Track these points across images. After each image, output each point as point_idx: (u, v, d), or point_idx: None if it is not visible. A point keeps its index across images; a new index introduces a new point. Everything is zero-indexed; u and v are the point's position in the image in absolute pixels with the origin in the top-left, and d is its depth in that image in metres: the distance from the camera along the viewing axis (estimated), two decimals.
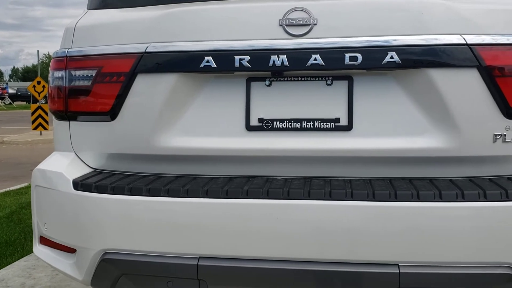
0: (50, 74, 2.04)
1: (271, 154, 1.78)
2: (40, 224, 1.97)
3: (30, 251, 4.02)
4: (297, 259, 1.61)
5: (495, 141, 1.66)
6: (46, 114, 13.57)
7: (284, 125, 1.77)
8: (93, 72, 1.86)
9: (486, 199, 1.54)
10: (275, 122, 1.77)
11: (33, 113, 13.69)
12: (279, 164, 1.80)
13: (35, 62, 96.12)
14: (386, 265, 1.57)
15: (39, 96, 13.91)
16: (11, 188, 6.86)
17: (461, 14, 1.65)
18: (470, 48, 1.62)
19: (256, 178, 1.78)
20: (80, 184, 1.78)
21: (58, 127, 2.04)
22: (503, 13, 1.68)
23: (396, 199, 1.56)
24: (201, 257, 1.65)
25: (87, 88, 1.88)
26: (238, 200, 1.63)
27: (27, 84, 32.70)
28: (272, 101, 1.78)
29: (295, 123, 1.76)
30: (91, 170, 1.94)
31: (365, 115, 1.74)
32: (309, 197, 1.60)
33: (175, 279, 1.69)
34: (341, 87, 1.75)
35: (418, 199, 1.55)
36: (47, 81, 2.15)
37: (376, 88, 1.73)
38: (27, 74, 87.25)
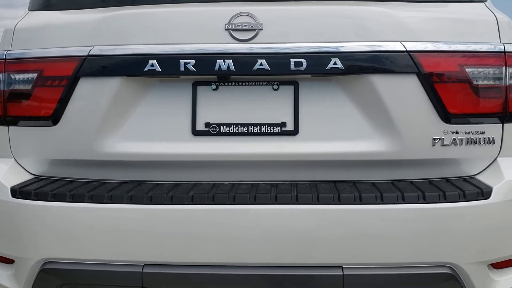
0: None
1: (217, 159, 1.77)
2: None
3: None
4: (243, 264, 1.61)
5: (434, 145, 1.72)
6: None
7: (231, 129, 1.76)
8: (33, 76, 1.80)
9: (425, 201, 1.59)
10: (221, 127, 1.77)
11: None
12: (226, 169, 1.79)
13: None
14: (330, 268, 1.60)
15: None
16: None
17: (402, 22, 1.71)
18: (410, 55, 1.68)
19: (203, 183, 1.77)
20: (19, 192, 1.71)
21: None
22: (442, 21, 1.75)
23: (339, 201, 1.59)
24: (146, 265, 1.62)
25: (28, 92, 1.81)
26: (184, 206, 1.61)
27: None
28: (219, 106, 1.78)
29: (242, 128, 1.76)
30: (31, 176, 1.87)
31: (310, 119, 1.76)
32: (255, 201, 1.60)
33: (119, 287, 1.65)
34: (287, 92, 1.76)
35: (361, 201, 1.59)
36: None
37: (321, 93, 1.76)
38: None
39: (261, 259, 1.60)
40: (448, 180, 1.76)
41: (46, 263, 1.67)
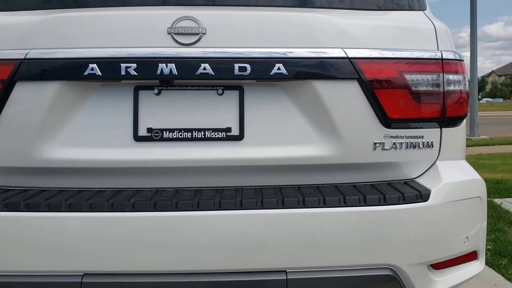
0: None
1: (161, 165, 1.74)
2: None
3: None
4: (187, 272, 1.59)
5: (375, 149, 1.76)
6: None
7: (174, 135, 1.74)
8: None
9: (366, 203, 1.62)
10: (164, 132, 1.74)
11: None
12: (169, 175, 1.77)
13: None
14: (274, 272, 1.60)
15: None
16: None
17: (344, 29, 1.74)
18: (351, 61, 1.71)
19: (145, 190, 1.74)
20: None
21: None
22: (382, 29, 1.80)
23: (283, 206, 1.60)
24: (86, 274, 1.58)
25: None
26: (124, 214, 1.57)
27: None
28: (162, 111, 1.75)
29: (186, 133, 1.74)
30: None
31: (256, 124, 1.76)
32: (198, 208, 1.59)
33: None
34: (232, 97, 1.76)
35: (304, 205, 1.60)
36: None
37: (266, 99, 1.76)
38: None
39: (205, 265, 1.59)
40: (389, 183, 1.80)
41: None
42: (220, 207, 1.59)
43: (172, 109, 1.75)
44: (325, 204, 1.60)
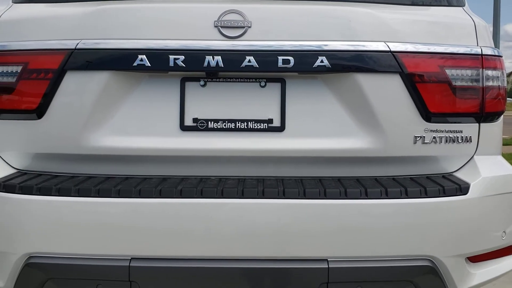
0: None
1: (205, 154, 1.79)
2: None
3: None
4: (231, 258, 1.63)
5: (416, 143, 1.78)
6: None
7: (218, 125, 1.79)
8: (18, 68, 1.78)
9: (407, 196, 1.65)
10: (209, 122, 1.79)
11: None
12: (213, 164, 1.81)
13: None
14: (316, 261, 1.63)
15: None
16: None
17: (386, 23, 1.77)
18: (393, 55, 1.74)
19: (190, 178, 1.78)
20: (3, 185, 1.69)
21: None
22: (423, 24, 1.82)
23: (325, 196, 1.63)
24: (133, 258, 1.62)
25: (11, 85, 1.78)
26: (172, 200, 1.62)
27: None
28: (207, 102, 1.80)
29: (229, 124, 1.79)
30: (15, 171, 1.85)
31: (297, 116, 1.80)
32: (242, 195, 1.62)
33: (105, 281, 1.65)
34: (274, 89, 1.80)
35: (346, 196, 1.63)
36: None
37: (308, 91, 1.80)
38: None
39: (248, 252, 1.63)
40: (428, 177, 1.82)
41: (30, 257, 1.65)
42: (263, 196, 1.63)
43: (217, 100, 1.80)
44: (367, 196, 1.64)
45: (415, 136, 1.78)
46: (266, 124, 1.79)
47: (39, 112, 1.77)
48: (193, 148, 1.78)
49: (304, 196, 1.63)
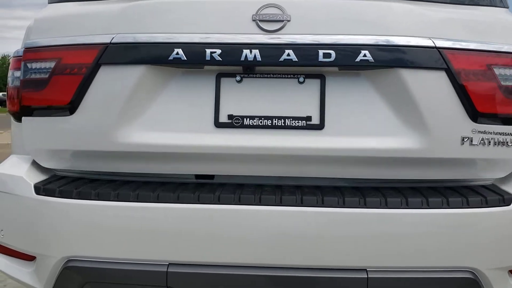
0: (9, 74, 1.93)
1: (240, 152, 1.71)
2: None
3: None
4: (269, 266, 1.59)
5: (463, 144, 1.68)
6: None
7: (255, 122, 1.71)
8: (51, 64, 1.75)
9: (448, 206, 1.59)
10: (245, 119, 1.72)
11: None
12: (248, 163, 1.74)
13: None
14: (355, 270, 1.57)
15: None
16: None
17: (431, 20, 1.69)
18: (439, 51, 1.66)
19: (227, 184, 1.75)
20: (43, 189, 1.68)
21: (15, 128, 1.91)
22: (469, 22, 1.74)
23: (365, 205, 1.58)
24: (171, 264, 1.59)
25: (45, 81, 1.75)
26: (210, 206, 1.59)
27: None
28: (243, 98, 1.73)
29: (266, 120, 1.71)
30: (51, 174, 1.83)
31: (337, 114, 1.72)
32: (281, 203, 1.58)
33: (142, 286, 1.62)
34: (313, 85, 1.73)
35: (386, 206, 1.58)
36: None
37: (349, 87, 1.72)
38: None
39: (286, 261, 1.58)
40: (468, 186, 1.75)
41: (69, 260, 1.64)
42: (302, 204, 1.58)
43: (253, 97, 1.73)
44: (407, 206, 1.58)
45: (463, 137, 1.68)
46: (304, 122, 1.71)
47: (72, 107, 1.73)
48: (228, 146, 1.70)
49: (344, 205, 1.58)
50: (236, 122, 1.72)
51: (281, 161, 1.72)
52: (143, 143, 1.71)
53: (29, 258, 1.75)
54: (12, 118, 1.93)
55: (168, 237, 1.59)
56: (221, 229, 1.58)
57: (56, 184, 1.71)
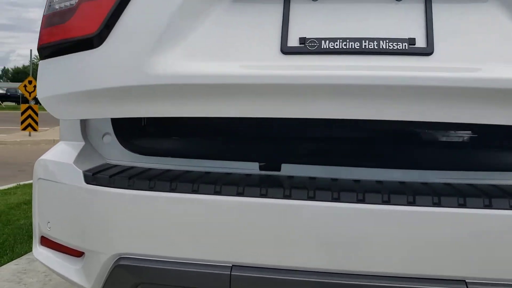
0: None
1: (315, 82, 1.27)
2: (41, 222, 1.66)
3: (20, 253, 3.59)
4: (351, 273, 1.31)
5: None
6: (36, 114, 13.04)
7: (337, 45, 1.29)
8: None
9: None
10: (323, 42, 1.30)
11: (22, 113, 13.12)
12: (324, 99, 1.30)
13: (26, 63, 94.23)
14: (452, 281, 1.29)
15: (29, 96, 13.24)
16: None
17: None
18: None
19: (299, 177, 1.48)
20: (93, 177, 1.48)
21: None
22: None
23: (465, 205, 1.28)
24: (235, 266, 1.36)
25: (72, 10, 1.43)
26: (279, 201, 1.33)
27: (16, 85, 31.71)
28: (320, 16, 1.32)
29: (353, 43, 1.29)
30: (103, 162, 1.66)
31: (449, 36, 1.28)
32: (363, 200, 1.30)
33: None
34: (415, 2, 1.30)
35: (490, 206, 1.26)
36: None
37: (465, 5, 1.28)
38: (17, 75, 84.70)
39: (372, 267, 1.30)
40: None
41: (121, 258, 1.43)
42: (389, 202, 1.29)
43: (334, 16, 1.32)
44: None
45: None
46: (405, 44, 1.28)
47: (100, 37, 1.38)
48: (299, 75, 1.27)
49: (440, 205, 1.28)
50: (310, 46, 1.31)
51: (369, 95, 1.28)
52: (185, 74, 1.31)
53: (77, 253, 1.56)
54: None
55: (232, 235, 1.35)
56: (293, 228, 1.32)
57: (108, 172, 1.50)
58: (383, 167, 1.49)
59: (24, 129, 13.21)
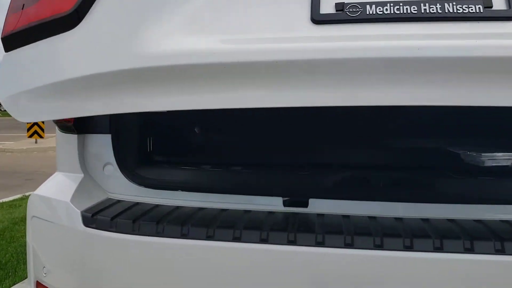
0: None
1: (356, 56, 0.97)
2: (36, 266, 1.46)
3: (23, 276, 3.39)
4: None
5: None
6: (42, 122, 12.94)
7: (387, 10, 1.00)
8: None
9: None
10: (367, 7, 1.01)
11: None
12: (365, 80, 0.99)
13: None
14: None
15: None
16: (4, 200, 6.18)
17: None
18: None
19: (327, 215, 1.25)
20: (92, 219, 1.27)
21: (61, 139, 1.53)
22: None
23: None
24: None
25: None
26: (311, 249, 1.12)
27: None
28: None
29: (408, 7, 0.99)
30: (104, 197, 1.44)
31: None
32: (412, 248, 1.08)
33: None
34: None
35: None
36: None
37: None
38: None
39: None
40: None
41: None
42: (442, 249, 1.06)
43: None
44: None
45: None
46: (479, 7, 0.99)
47: (77, 15, 1.12)
48: (337, 48, 0.98)
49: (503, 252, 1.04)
50: (351, 12, 1.02)
51: (434, 69, 0.97)
52: (182, 51, 1.03)
53: None
54: (56, 128, 1.53)
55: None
56: (327, 284, 1.11)
57: (109, 212, 1.30)
58: (434, 202, 1.26)
59: (30, 136, 13.10)
